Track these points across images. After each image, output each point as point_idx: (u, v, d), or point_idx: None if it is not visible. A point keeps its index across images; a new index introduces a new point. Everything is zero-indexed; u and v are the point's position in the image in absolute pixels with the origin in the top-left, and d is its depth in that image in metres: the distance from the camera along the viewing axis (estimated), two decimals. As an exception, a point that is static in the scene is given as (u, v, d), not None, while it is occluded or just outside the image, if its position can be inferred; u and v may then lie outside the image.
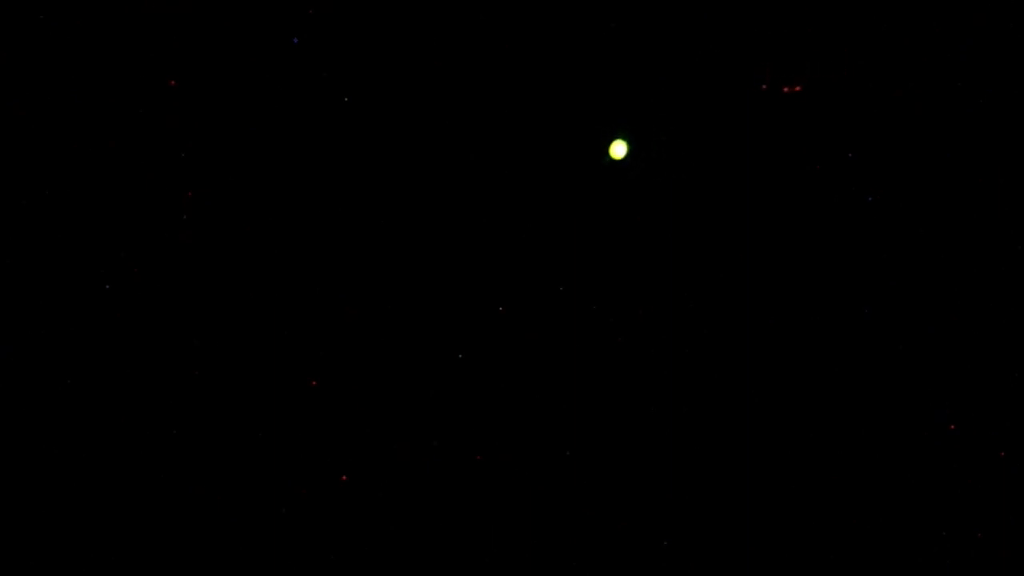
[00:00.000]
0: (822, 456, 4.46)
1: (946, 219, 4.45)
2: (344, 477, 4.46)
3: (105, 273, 4.45)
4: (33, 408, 4.43)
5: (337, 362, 4.49)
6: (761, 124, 4.48)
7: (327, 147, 4.50)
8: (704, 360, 4.50)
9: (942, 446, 4.44)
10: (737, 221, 4.50)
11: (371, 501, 4.47)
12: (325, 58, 4.48)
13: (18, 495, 4.41)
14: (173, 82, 4.47)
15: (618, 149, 4.39)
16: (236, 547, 4.42)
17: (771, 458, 4.46)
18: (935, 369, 4.44)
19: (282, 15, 4.47)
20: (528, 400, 4.50)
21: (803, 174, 4.48)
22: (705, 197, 4.50)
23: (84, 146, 4.47)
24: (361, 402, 4.49)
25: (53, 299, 4.44)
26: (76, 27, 4.46)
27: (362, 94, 4.49)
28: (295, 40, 4.47)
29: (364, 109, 4.49)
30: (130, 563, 4.40)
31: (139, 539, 4.41)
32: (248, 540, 4.43)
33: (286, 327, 4.48)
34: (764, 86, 4.41)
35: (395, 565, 4.45)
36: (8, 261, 4.44)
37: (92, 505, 4.41)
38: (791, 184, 4.48)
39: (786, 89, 4.42)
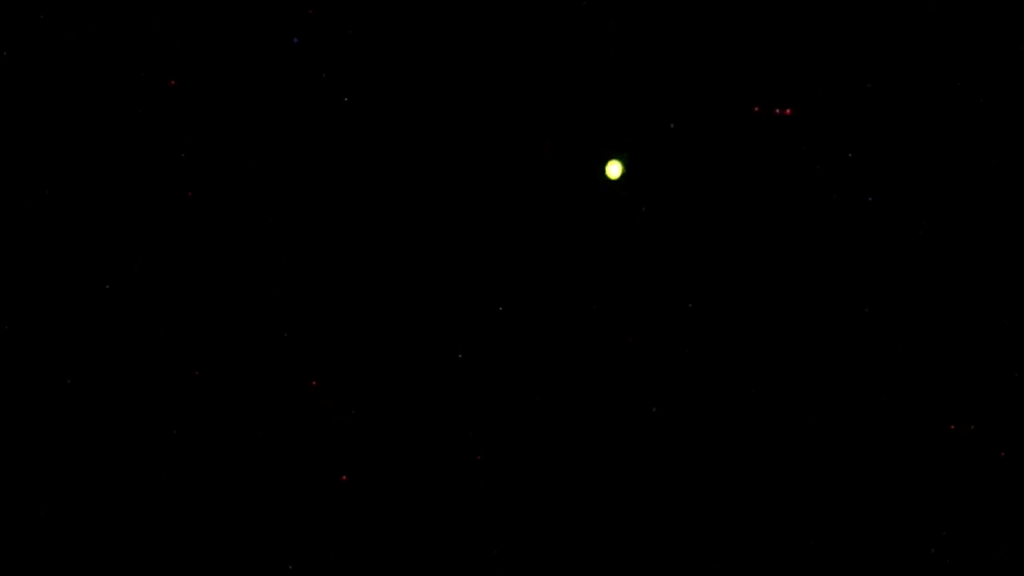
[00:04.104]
0: (822, 456, 4.46)
1: (946, 219, 4.45)
2: (344, 477, 4.46)
3: (105, 273, 4.45)
4: (33, 408, 4.44)
5: (337, 362, 4.49)
6: (761, 124, 4.48)
7: (327, 147, 4.50)
8: (704, 360, 4.50)
9: (942, 446, 4.44)
10: (737, 221, 4.50)
11: (371, 501, 4.47)
12: (325, 58, 4.48)
13: (18, 495, 4.41)
14: (173, 82, 4.47)
15: (613, 169, 4.39)
16: (236, 547, 4.43)
17: (771, 458, 4.47)
18: (935, 369, 4.44)
19: (282, 15, 4.47)
20: (528, 400, 4.50)
21: (803, 174, 4.48)
22: (705, 196, 4.50)
23: (84, 146, 4.47)
24: (361, 402, 4.49)
25: (53, 299, 4.45)
26: (76, 27, 4.46)
27: (362, 94, 4.49)
28: (295, 40, 4.47)
29: (364, 109, 4.50)
30: (130, 563, 4.40)
31: (139, 539, 4.41)
32: (248, 540, 4.43)
33: (286, 327, 4.48)
34: (756, 108, 4.42)
35: (395, 565, 4.45)
36: (8, 261, 4.44)
37: (92, 505, 4.41)
38: (791, 184, 4.48)
39: (777, 111, 4.43)
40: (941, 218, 4.45)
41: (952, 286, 4.45)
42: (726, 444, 4.48)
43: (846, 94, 4.47)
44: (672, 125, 4.49)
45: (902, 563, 4.41)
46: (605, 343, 4.51)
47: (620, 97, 4.50)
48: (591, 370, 4.50)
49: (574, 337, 4.51)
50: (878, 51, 4.46)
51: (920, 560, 4.41)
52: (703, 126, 4.50)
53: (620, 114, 4.50)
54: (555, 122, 4.50)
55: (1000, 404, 4.43)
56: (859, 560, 4.42)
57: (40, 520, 4.40)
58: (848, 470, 4.45)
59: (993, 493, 4.41)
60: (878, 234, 4.47)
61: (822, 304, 4.48)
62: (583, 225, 4.51)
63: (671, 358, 4.50)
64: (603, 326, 4.51)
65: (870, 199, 4.47)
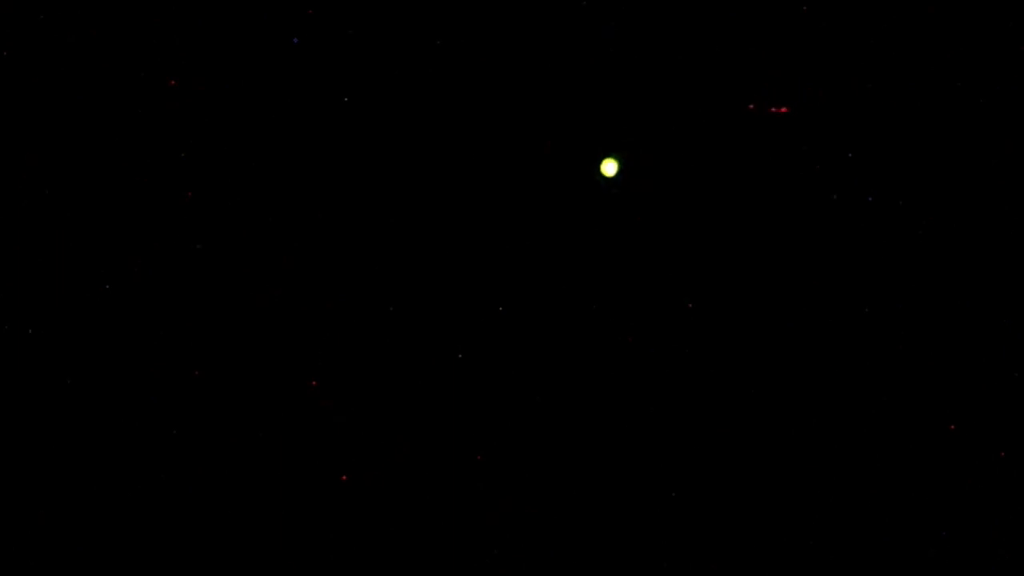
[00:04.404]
0: (822, 456, 4.46)
1: (946, 219, 4.45)
2: (344, 477, 4.46)
3: (105, 273, 4.45)
4: (33, 408, 4.44)
5: (337, 362, 4.49)
6: (761, 123, 4.48)
7: (327, 147, 4.50)
8: (704, 360, 4.50)
9: (942, 446, 4.44)
10: (737, 220, 4.50)
11: (371, 501, 4.47)
12: (325, 58, 4.48)
13: (18, 495, 4.41)
14: (173, 82, 4.47)
15: (608, 167, 4.39)
16: (236, 547, 4.43)
17: (771, 458, 4.47)
18: (935, 369, 4.44)
19: (282, 15, 4.47)
20: (528, 400, 4.50)
21: (802, 174, 4.48)
22: (705, 195, 4.50)
23: (84, 146, 4.47)
24: (361, 402, 4.49)
25: (53, 299, 4.45)
26: (76, 27, 4.46)
27: (362, 94, 4.49)
28: (295, 40, 4.47)
29: (364, 109, 4.50)
30: (130, 563, 4.40)
31: (139, 539, 4.41)
32: (248, 540, 4.43)
33: (286, 327, 4.48)
34: (751, 106, 4.42)
35: (395, 565, 4.45)
36: (8, 261, 4.44)
37: (92, 505, 4.41)
38: (791, 184, 4.48)
39: (772, 110, 4.43)
40: (941, 218, 4.45)
41: (952, 286, 4.45)
42: (726, 444, 4.48)
43: (846, 94, 4.47)
44: (673, 124, 4.49)
45: (902, 563, 4.41)
46: (605, 343, 4.51)
47: (620, 97, 4.49)
48: (591, 370, 4.50)
49: (574, 337, 4.51)
50: (878, 51, 4.46)
51: (920, 560, 4.41)
52: (704, 126, 4.50)
53: (620, 113, 4.50)
54: (555, 122, 4.50)
55: (1000, 404, 4.43)
56: (859, 560, 4.42)
57: (40, 520, 4.40)
58: (848, 470, 4.45)
59: (993, 493, 4.41)
60: (878, 234, 4.47)
61: (822, 304, 4.48)
62: (583, 225, 4.51)
63: (671, 358, 4.50)
64: (603, 326, 4.51)
65: (870, 199, 4.46)
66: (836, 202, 4.47)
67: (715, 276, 4.50)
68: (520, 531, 4.47)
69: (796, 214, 4.48)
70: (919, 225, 4.46)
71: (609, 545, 4.47)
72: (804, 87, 4.47)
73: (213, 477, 4.44)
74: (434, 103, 4.49)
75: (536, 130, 4.50)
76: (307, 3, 4.47)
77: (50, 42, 4.46)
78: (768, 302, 4.49)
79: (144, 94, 4.47)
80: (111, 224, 4.47)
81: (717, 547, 4.45)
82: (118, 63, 4.46)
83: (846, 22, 4.46)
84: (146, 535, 4.41)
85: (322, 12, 4.47)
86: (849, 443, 4.45)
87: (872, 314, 4.46)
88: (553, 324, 4.51)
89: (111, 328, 4.45)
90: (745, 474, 4.46)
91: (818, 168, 4.48)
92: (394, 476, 4.48)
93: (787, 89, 4.47)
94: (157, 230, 4.48)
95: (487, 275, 4.52)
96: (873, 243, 4.47)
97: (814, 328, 4.47)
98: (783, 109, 4.38)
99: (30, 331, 4.44)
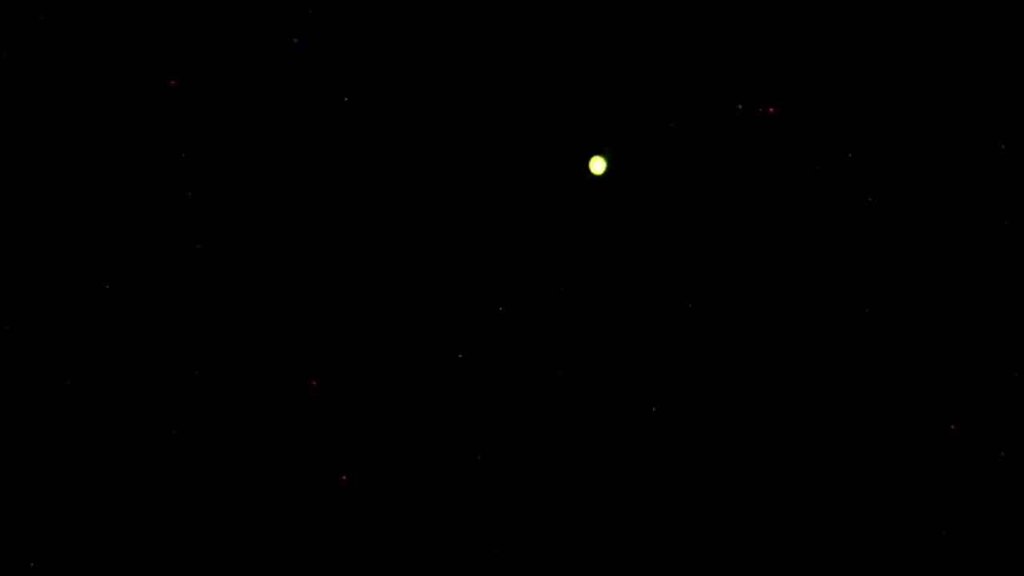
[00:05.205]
0: (822, 456, 4.46)
1: (946, 219, 4.45)
2: (344, 477, 4.46)
3: (105, 273, 4.45)
4: (33, 408, 4.44)
5: (337, 362, 4.49)
6: (761, 124, 4.48)
7: (327, 147, 4.50)
8: (704, 360, 4.50)
9: (942, 446, 4.44)
10: (738, 221, 4.50)
11: (371, 501, 4.47)
12: (325, 58, 4.48)
13: (18, 495, 4.41)
14: (173, 82, 4.48)
15: (596, 165, 4.39)
16: (236, 547, 4.43)
17: (771, 458, 4.47)
18: (935, 369, 4.44)
19: (282, 15, 4.47)
20: (528, 400, 4.50)
21: (803, 174, 4.48)
22: (707, 196, 4.51)
23: (84, 146, 4.47)
24: (361, 402, 4.49)
25: (53, 299, 4.45)
26: (76, 27, 4.46)
27: (362, 94, 4.49)
28: (295, 40, 4.47)
29: (364, 109, 4.50)
30: (130, 563, 4.40)
31: (139, 539, 4.41)
32: (248, 540, 4.43)
33: (286, 327, 4.48)
34: (740, 106, 4.42)
35: (395, 565, 4.45)
36: (8, 261, 4.44)
37: (92, 505, 4.41)
38: (791, 184, 4.48)
39: (760, 111, 4.43)
40: (941, 218, 4.46)
41: (952, 286, 4.45)
42: (726, 444, 4.48)
43: (846, 93, 4.47)
44: (673, 123, 4.49)
45: (902, 563, 4.41)
46: (605, 343, 4.51)
47: (619, 97, 4.50)
48: (591, 370, 4.50)
49: (574, 337, 4.51)
50: (879, 51, 4.46)
51: (920, 560, 4.41)
52: (704, 125, 4.50)
53: (620, 114, 4.50)
54: (555, 122, 4.50)
55: (1000, 404, 4.43)
56: (859, 560, 4.42)
57: (40, 520, 4.40)
58: (848, 470, 4.45)
59: (993, 493, 4.41)
60: (878, 234, 4.47)
61: (822, 304, 4.48)
62: (583, 225, 4.51)
63: (671, 358, 4.50)
64: (603, 326, 4.51)
65: (870, 199, 4.47)
66: (835, 202, 4.47)
67: (715, 276, 4.50)
68: (520, 531, 4.47)
69: (795, 214, 4.48)
70: (919, 225, 4.46)
71: (609, 545, 4.47)
72: (804, 86, 4.47)
73: (213, 477, 4.44)
74: (434, 103, 4.50)
75: (536, 130, 4.50)
76: (307, 3, 4.47)
77: (50, 42, 4.46)
78: (768, 302, 4.49)
79: (144, 94, 4.47)
80: (111, 224, 4.47)
81: (717, 547, 4.45)
82: (118, 63, 4.47)
83: (846, 21, 4.46)
84: (146, 535, 4.41)
85: (322, 12, 4.47)
86: (849, 443, 4.45)
87: (872, 314, 4.46)
88: (553, 324, 4.51)
89: (111, 328, 4.45)
90: (745, 474, 4.46)
91: (817, 168, 4.48)
92: (394, 476, 4.48)
93: (787, 88, 4.47)
94: (157, 230, 4.48)
95: (487, 275, 4.52)
96: (873, 243, 4.47)
97: (814, 328, 4.47)
98: (771, 110, 4.38)
99: (30, 331, 4.44)
